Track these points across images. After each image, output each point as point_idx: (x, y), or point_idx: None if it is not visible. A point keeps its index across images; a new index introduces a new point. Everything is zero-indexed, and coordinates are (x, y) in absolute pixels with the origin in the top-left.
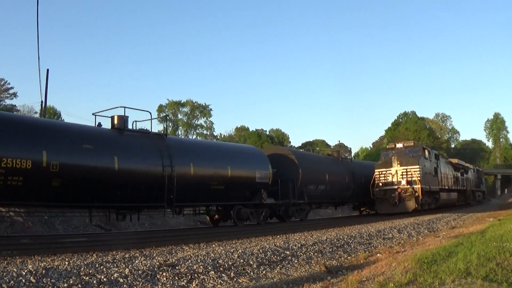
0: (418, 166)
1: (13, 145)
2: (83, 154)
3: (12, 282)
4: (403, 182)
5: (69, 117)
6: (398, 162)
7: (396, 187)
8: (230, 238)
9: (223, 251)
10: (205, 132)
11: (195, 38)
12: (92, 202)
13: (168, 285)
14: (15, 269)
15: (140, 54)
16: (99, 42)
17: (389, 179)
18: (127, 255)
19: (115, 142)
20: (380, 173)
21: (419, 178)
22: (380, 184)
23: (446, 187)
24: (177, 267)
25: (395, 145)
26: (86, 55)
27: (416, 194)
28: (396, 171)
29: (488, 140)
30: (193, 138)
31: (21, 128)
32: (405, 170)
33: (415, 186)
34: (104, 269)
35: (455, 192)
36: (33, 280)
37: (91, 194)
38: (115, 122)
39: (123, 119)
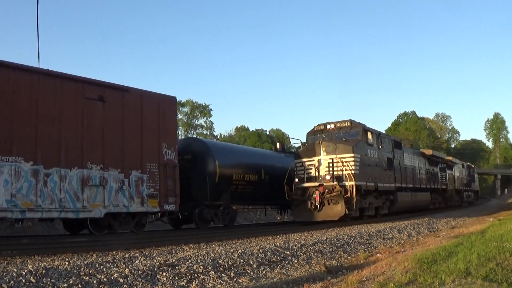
0: (352, 155)
1: (250, 166)
2: (277, 170)
3: (12, 282)
4: (328, 177)
5: None
6: (324, 149)
7: (317, 184)
8: (230, 238)
9: (223, 251)
10: (205, 132)
11: (195, 38)
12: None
13: (168, 285)
14: (15, 269)
15: (140, 54)
16: (99, 42)
17: (311, 173)
18: (127, 255)
19: (285, 160)
20: (300, 164)
21: (353, 171)
22: (297, 180)
23: (411, 185)
24: (177, 267)
25: (325, 126)
26: (86, 55)
27: (347, 195)
28: (320, 161)
29: (488, 140)
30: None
31: (253, 155)
32: (331, 161)
33: (347, 183)
34: (104, 269)
35: (427, 191)
36: (33, 280)
37: (277, 195)
38: (278, 147)
39: (284, 145)
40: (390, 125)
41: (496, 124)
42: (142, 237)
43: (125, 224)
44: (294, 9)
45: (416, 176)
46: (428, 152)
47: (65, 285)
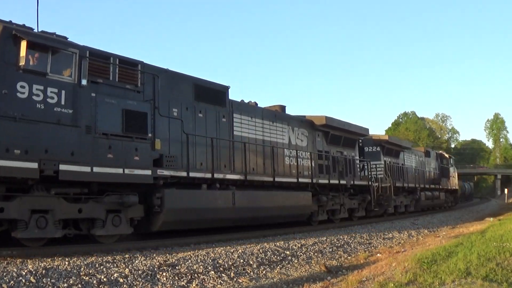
0: None
1: None
2: None
3: (12, 282)
4: None
5: None
6: None
7: None
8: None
9: (223, 251)
10: None
11: (195, 38)
12: None
13: (168, 285)
14: (15, 269)
15: (140, 54)
16: (98, 41)
17: None
18: (127, 255)
19: None
20: None
21: None
22: None
23: (239, 177)
24: (177, 267)
25: None
26: None
27: None
28: None
29: (488, 140)
30: None
31: None
32: None
33: None
34: (104, 269)
35: (306, 190)
36: (33, 280)
37: None
38: None
39: None
40: (390, 125)
41: (496, 124)
42: (142, 237)
43: None
44: (292, 8)
45: (267, 158)
46: (320, 120)
47: (65, 285)
